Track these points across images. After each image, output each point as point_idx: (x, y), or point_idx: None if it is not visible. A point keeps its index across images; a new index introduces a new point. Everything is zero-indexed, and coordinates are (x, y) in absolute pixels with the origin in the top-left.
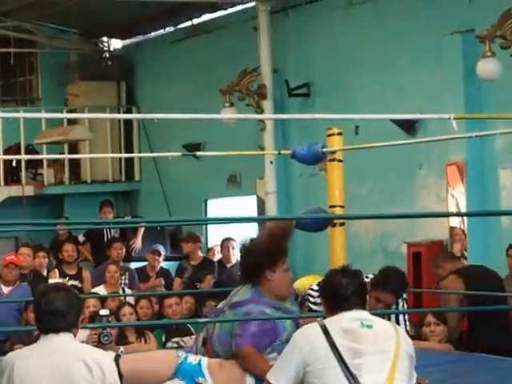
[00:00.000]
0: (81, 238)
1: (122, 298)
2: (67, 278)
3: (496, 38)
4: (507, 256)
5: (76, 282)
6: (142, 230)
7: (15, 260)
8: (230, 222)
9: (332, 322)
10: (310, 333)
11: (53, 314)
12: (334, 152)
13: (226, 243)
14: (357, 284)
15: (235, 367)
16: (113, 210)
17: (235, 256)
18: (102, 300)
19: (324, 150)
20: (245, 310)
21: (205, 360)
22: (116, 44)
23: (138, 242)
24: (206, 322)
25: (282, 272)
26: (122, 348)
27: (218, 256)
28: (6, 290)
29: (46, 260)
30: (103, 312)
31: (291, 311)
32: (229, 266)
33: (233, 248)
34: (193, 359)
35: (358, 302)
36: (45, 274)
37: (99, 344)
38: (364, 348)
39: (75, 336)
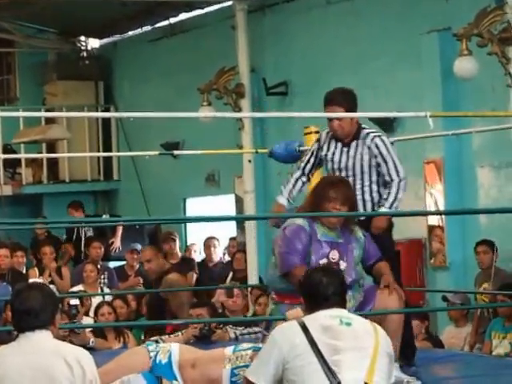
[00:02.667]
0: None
1: (101, 297)
2: (46, 275)
3: (473, 37)
4: (475, 253)
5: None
6: (121, 229)
7: None
8: (209, 221)
9: (311, 320)
10: (288, 330)
11: (27, 312)
12: None
13: (207, 242)
14: (337, 284)
15: (209, 367)
16: (83, 211)
17: (217, 255)
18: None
19: (301, 148)
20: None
21: (175, 354)
22: (94, 43)
23: (117, 242)
24: (184, 322)
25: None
26: (92, 338)
27: (195, 254)
28: None
29: (24, 259)
30: (73, 302)
31: (335, 242)
32: (211, 264)
33: (214, 247)
34: (163, 356)
35: (338, 302)
36: (23, 272)
37: (71, 333)
38: (343, 345)
39: (53, 334)
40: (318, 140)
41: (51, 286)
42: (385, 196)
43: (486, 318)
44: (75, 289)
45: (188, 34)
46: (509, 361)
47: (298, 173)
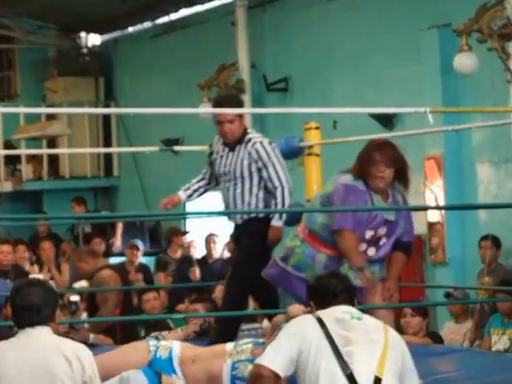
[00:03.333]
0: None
1: None
2: (46, 271)
3: (473, 32)
4: (479, 248)
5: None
6: (121, 228)
7: None
8: (209, 216)
9: (325, 313)
10: (304, 322)
11: (27, 308)
12: (311, 146)
13: (208, 238)
14: (345, 284)
15: (210, 362)
16: (85, 206)
17: (217, 251)
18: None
19: (301, 144)
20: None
21: (176, 351)
22: (94, 39)
23: (117, 242)
24: (183, 316)
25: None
26: (92, 335)
27: (195, 251)
28: None
29: (27, 254)
30: (73, 298)
31: (388, 220)
32: (210, 261)
33: (215, 243)
34: (163, 352)
35: (347, 299)
36: (27, 268)
37: (71, 329)
38: (354, 336)
39: (53, 330)
40: (211, 145)
41: (51, 282)
42: (273, 207)
43: (486, 314)
44: (77, 285)
45: (188, 30)
46: (508, 356)
47: (200, 176)
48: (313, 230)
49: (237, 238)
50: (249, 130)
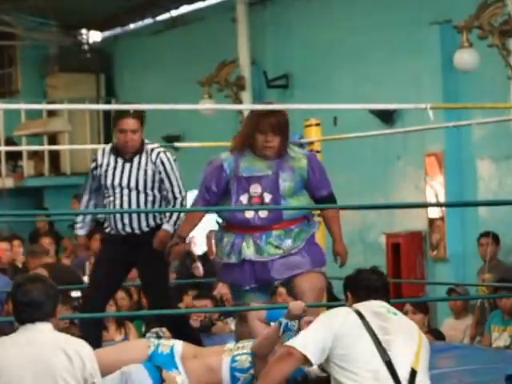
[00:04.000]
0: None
1: None
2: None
3: (473, 29)
4: (478, 245)
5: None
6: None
7: None
8: (211, 211)
9: (362, 306)
10: (342, 311)
11: (28, 304)
12: (311, 143)
13: (209, 235)
14: (384, 280)
15: (210, 357)
16: None
17: None
18: None
19: (302, 140)
20: None
21: (178, 347)
22: (95, 36)
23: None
24: (184, 312)
25: None
26: None
27: (195, 247)
28: None
29: (21, 249)
30: (74, 294)
31: (258, 176)
32: (212, 257)
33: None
34: (165, 348)
35: (385, 295)
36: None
37: (71, 325)
38: (393, 328)
39: (54, 326)
40: (95, 160)
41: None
42: (168, 214)
43: (487, 310)
44: None
45: (189, 26)
46: (509, 353)
47: (86, 197)
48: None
49: (139, 247)
50: (146, 140)
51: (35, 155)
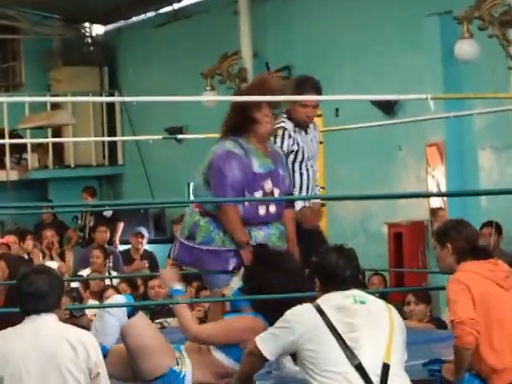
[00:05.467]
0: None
1: (107, 280)
2: (48, 260)
3: (474, 19)
4: (481, 235)
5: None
6: (122, 228)
7: (7, 242)
8: (213, 203)
9: (325, 301)
10: (303, 311)
11: (33, 295)
12: None
13: None
14: (354, 265)
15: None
16: (94, 196)
17: None
18: (86, 283)
19: None
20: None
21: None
22: (98, 29)
23: (116, 242)
24: (188, 302)
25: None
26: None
27: None
28: None
29: (31, 242)
30: (73, 285)
31: (269, 171)
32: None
33: None
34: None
35: (354, 283)
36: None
37: (72, 316)
38: (359, 322)
39: (59, 317)
40: (290, 136)
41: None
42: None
43: None
44: (83, 272)
45: (191, 19)
46: None
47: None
48: (206, 208)
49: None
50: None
51: (39, 148)
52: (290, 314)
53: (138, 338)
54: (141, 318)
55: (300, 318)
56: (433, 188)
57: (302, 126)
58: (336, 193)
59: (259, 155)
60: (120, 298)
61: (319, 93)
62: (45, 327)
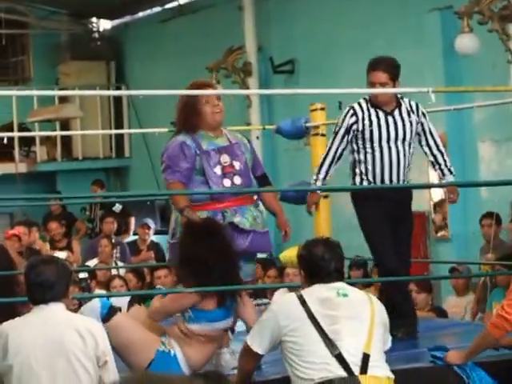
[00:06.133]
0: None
1: (114, 271)
2: (57, 250)
3: (474, 14)
4: (481, 226)
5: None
6: (133, 227)
7: (18, 233)
8: (219, 194)
9: (308, 293)
10: (286, 302)
11: (41, 285)
12: (317, 126)
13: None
14: (338, 258)
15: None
16: (103, 188)
17: None
18: (93, 273)
19: (307, 124)
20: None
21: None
22: (105, 24)
23: (129, 235)
24: (194, 291)
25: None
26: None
27: None
28: None
29: (37, 234)
30: (82, 275)
31: (221, 147)
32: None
33: None
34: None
35: (337, 277)
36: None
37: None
38: (340, 314)
39: (67, 306)
40: (354, 114)
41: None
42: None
43: (488, 288)
44: (90, 263)
45: (197, 14)
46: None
47: (329, 160)
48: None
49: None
50: (398, 95)
51: (48, 141)
52: (274, 303)
53: (120, 336)
54: (120, 316)
55: (284, 308)
56: (434, 180)
57: (380, 106)
58: (340, 184)
59: (209, 137)
60: (96, 303)
61: (387, 71)
62: (53, 316)
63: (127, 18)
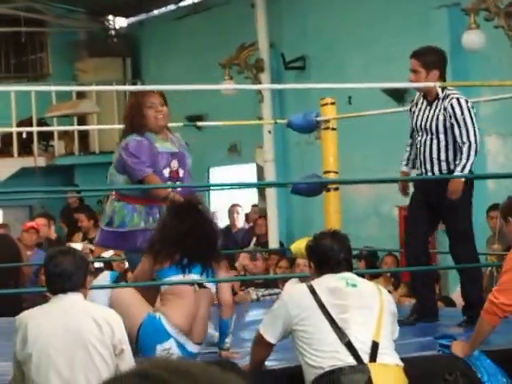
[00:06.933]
0: None
1: None
2: (86, 242)
3: (480, 11)
4: (488, 217)
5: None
6: None
7: (35, 226)
8: (232, 188)
9: (318, 283)
10: (297, 292)
11: (60, 275)
12: (327, 121)
13: (231, 209)
14: (346, 249)
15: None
16: None
17: (240, 221)
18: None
19: (318, 118)
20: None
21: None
22: (121, 22)
23: None
24: (208, 281)
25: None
26: None
27: (219, 220)
28: None
29: (53, 227)
30: (97, 265)
31: (173, 152)
32: (234, 230)
33: (237, 213)
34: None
35: (346, 266)
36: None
37: None
38: (350, 304)
39: (84, 296)
40: (413, 99)
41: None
42: (457, 161)
43: (496, 278)
44: (106, 254)
45: (210, 11)
46: None
47: (409, 141)
48: (121, 192)
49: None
50: (450, 87)
51: (66, 135)
52: (285, 293)
53: (119, 301)
54: (118, 290)
55: (295, 298)
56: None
57: (426, 96)
58: (350, 177)
59: (159, 140)
60: (107, 274)
61: (419, 59)
62: (71, 305)
63: (143, 16)
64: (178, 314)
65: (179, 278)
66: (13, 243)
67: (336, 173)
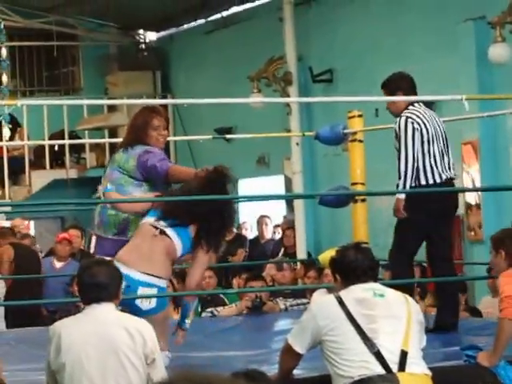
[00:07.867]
0: None
1: None
2: None
3: (506, 24)
4: None
5: None
6: None
7: (68, 237)
8: (260, 200)
9: (345, 293)
10: (325, 303)
11: (95, 286)
12: (354, 133)
13: (260, 220)
14: (371, 259)
15: None
16: None
17: (268, 232)
18: None
19: (345, 131)
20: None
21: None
22: (151, 36)
23: None
24: (236, 292)
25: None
26: None
27: (247, 231)
28: (58, 265)
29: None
30: None
31: None
32: (262, 241)
33: (266, 224)
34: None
35: (372, 276)
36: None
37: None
38: (378, 314)
39: (116, 306)
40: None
41: None
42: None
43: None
44: None
45: (239, 26)
46: None
47: None
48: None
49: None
50: (415, 105)
51: (97, 148)
52: (314, 304)
53: None
54: None
55: (323, 309)
56: (468, 184)
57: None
58: (376, 188)
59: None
60: None
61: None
62: (104, 315)
63: (172, 30)
64: (124, 249)
65: (151, 219)
66: (34, 254)
67: (363, 184)
